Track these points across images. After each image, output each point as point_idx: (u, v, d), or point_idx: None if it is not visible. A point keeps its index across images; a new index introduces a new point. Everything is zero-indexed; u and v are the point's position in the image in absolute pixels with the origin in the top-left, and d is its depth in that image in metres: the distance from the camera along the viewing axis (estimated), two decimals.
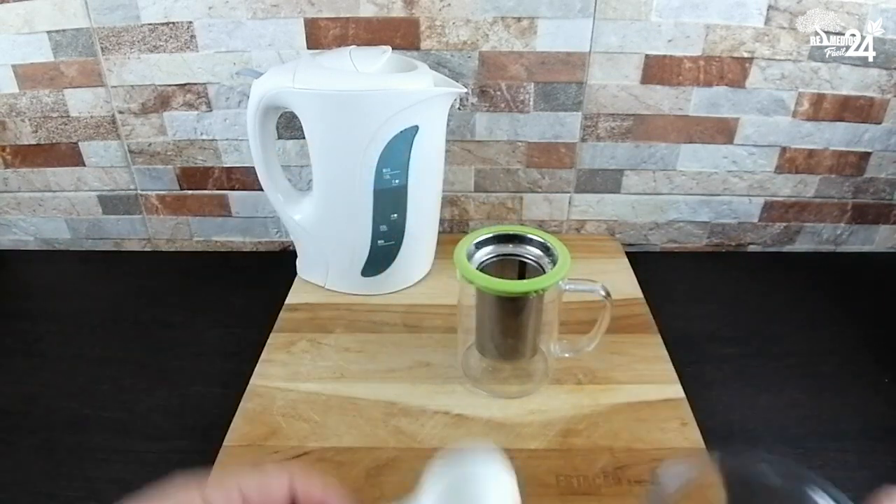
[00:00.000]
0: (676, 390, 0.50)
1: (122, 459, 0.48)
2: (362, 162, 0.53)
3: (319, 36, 0.63)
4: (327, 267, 0.62)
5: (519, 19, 0.62)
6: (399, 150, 0.53)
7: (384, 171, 0.54)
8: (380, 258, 0.60)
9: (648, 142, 0.69)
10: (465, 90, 0.53)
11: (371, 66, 0.53)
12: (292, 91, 0.52)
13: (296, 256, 0.65)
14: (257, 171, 0.58)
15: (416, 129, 0.53)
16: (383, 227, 0.57)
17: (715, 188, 0.72)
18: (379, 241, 0.58)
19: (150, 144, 0.70)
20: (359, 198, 0.55)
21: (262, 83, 0.53)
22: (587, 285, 0.46)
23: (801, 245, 0.76)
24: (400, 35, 0.63)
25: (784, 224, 0.75)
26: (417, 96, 0.52)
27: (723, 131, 0.68)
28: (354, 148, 0.53)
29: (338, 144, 0.54)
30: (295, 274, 0.66)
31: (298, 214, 0.60)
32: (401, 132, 0.52)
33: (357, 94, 0.51)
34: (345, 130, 0.53)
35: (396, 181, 0.55)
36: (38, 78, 0.66)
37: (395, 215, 0.57)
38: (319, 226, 0.59)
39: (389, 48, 0.56)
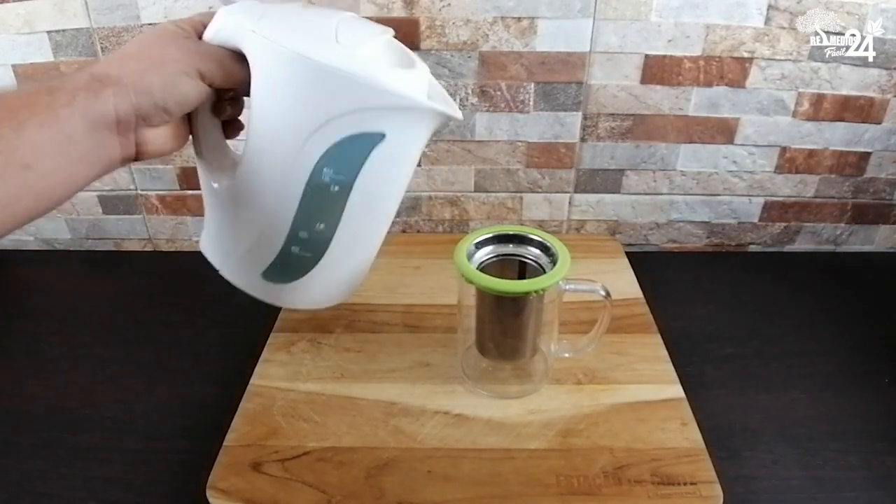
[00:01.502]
0: (676, 390, 0.50)
1: (122, 459, 0.48)
2: (301, 148, 0.42)
3: None
4: (229, 252, 0.50)
5: (519, 19, 0.62)
6: (352, 152, 0.42)
7: (325, 169, 0.42)
8: (289, 267, 0.47)
9: (648, 142, 0.69)
10: (460, 117, 0.43)
11: (357, 41, 0.42)
12: (252, 36, 0.41)
13: None
14: (191, 119, 0.44)
15: (381, 136, 0.42)
16: (303, 234, 0.45)
17: (715, 188, 0.72)
18: (293, 248, 0.46)
19: None
20: (284, 188, 0.43)
21: (224, 15, 0.42)
22: (587, 285, 0.46)
23: (801, 245, 0.76)
24: (400, 35, 0.62)
25: (784, 224, 0.75)
26: (394, 100, 0.41)
27: (723, 131, 0.68)
28: (298, 129, 0.42)
29: (280, 117, 0.42)
30: None
31: (217, 183, 0.48)
32: (360, 134, 0.42)
33: (319, 67, 0.40)
34: (293, 104, 0.42)
35: (336, 187, 0.43)
36: (38, 78, 0.66)
37: (322, 226, 0.45)
38: (234, 205, 0.47)
39: (392, 30, 0.46)
